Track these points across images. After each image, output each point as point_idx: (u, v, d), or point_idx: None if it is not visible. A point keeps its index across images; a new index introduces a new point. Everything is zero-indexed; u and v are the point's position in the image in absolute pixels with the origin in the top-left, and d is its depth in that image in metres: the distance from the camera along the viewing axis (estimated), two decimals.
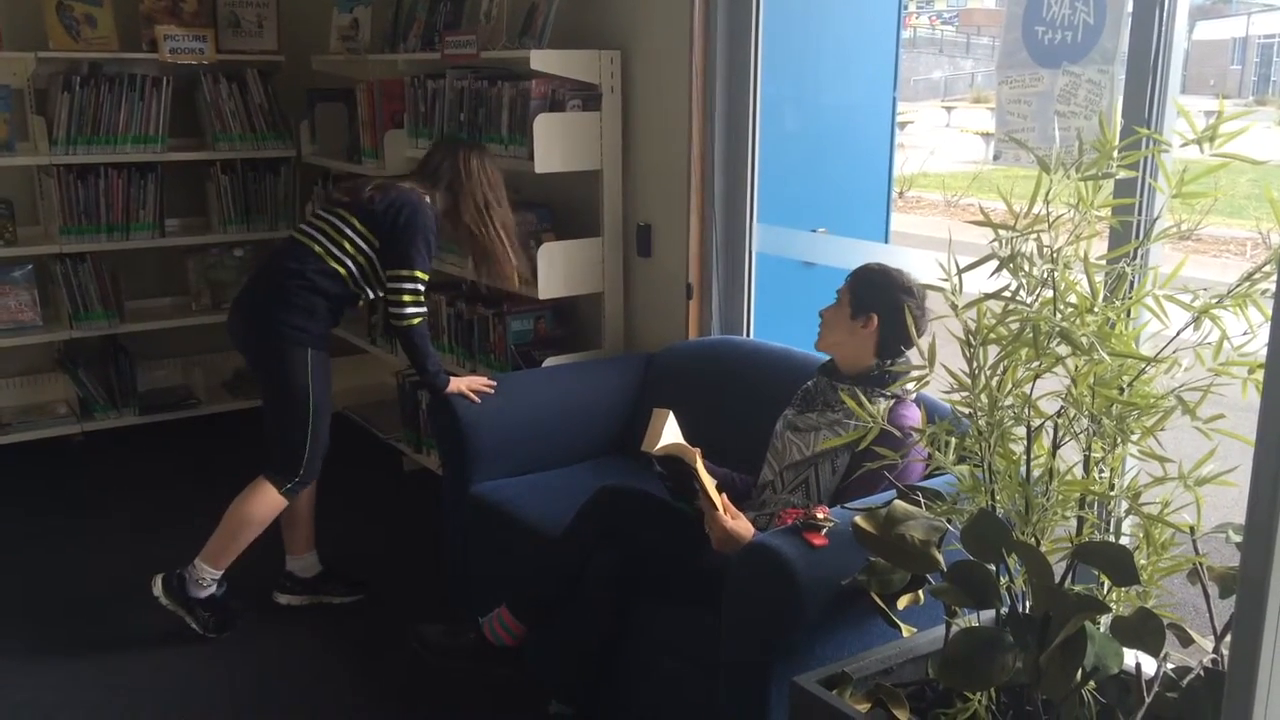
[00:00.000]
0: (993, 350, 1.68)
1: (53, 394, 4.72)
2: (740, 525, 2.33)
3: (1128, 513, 1.74)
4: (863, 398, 1.88)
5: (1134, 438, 1.65)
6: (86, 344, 4.60)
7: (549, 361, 3.51)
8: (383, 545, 3.80)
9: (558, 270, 3.48)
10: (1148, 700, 1.61)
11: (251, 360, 3.16)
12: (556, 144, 3.38)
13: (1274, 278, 1.58)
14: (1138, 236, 2.15)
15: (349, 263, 3.05)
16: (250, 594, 3.33)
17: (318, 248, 3.04)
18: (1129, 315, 1.70)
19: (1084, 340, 1.58)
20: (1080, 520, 1.71)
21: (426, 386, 3.23)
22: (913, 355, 2.44)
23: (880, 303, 2.48)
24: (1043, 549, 1.64)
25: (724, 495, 2.39)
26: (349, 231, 3.05)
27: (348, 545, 3.77)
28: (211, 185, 4.77)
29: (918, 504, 1.81)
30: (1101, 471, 1.70)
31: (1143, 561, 1.67)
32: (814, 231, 3.52)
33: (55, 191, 4.35)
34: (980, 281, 1.70)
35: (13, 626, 3.22)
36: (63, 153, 4.31)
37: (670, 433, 2.38)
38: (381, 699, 2.88)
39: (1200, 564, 1.67)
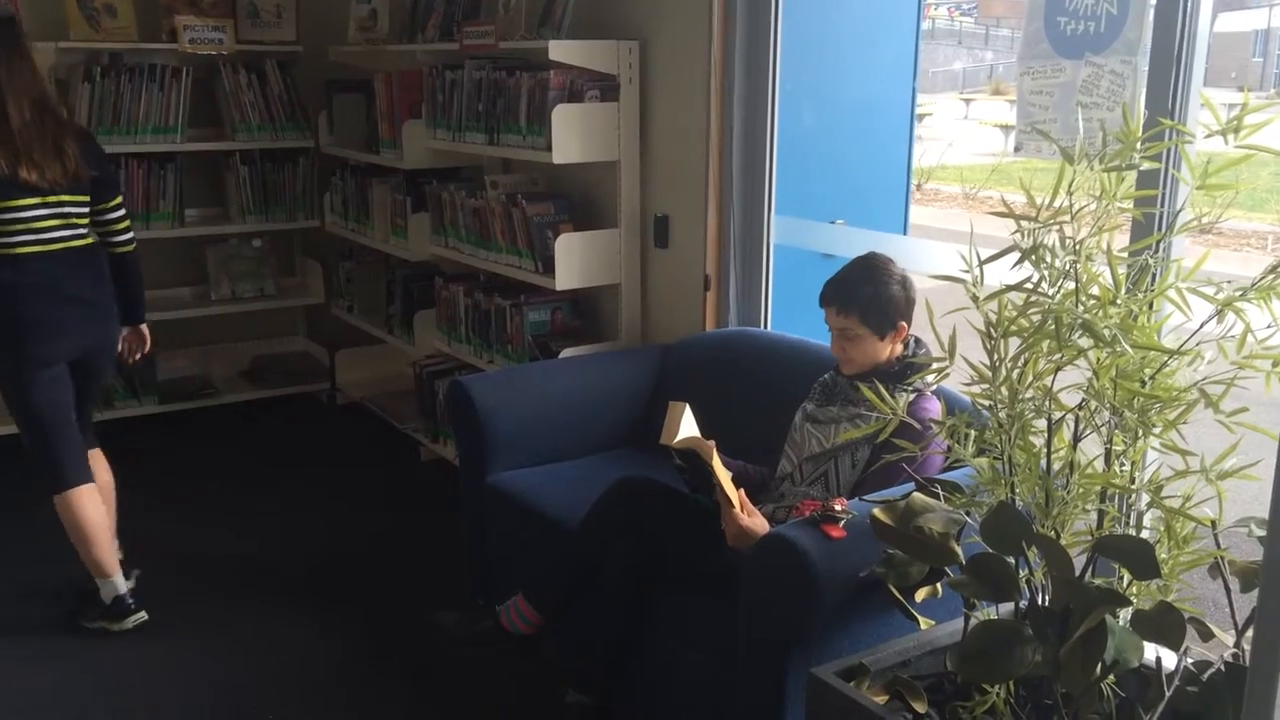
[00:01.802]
0: (1014, 342, 1.67)
1: None
2: (755, 522, 2.33)
3: (1149, 506, 1.73)
4: (883, 391, 1.87)
5: (1156, 431, 1.64)
6: None
7: (566, 352, 3.52)
8: (400, 534, 3.81)
9: (575, 261, 3.49)
10: (1168, 694, 1.61)
11: (103, 354, 3.15)
12: (574, 135, 3.38)
13: None
14: (1160, 229, 2.14)
15: (89, 225, 3.10)
16: (254, 585, 3.35)
17: (95, 240, 3.09)
18: (1151, 308, 1.69)
19: (1106, 332, 1.58)
20: (1101, 513, 1.71)
21: (139, 317, 3.27)
22: (933, 347, 2.44)
23: (898, 309, 2.48)
24: (1063, 542, 1.64)
25: (741, 490, 2.39)
26: (80, 208, 3.02)
27: (365, 534, 3.79)
28: (230, 175, 4.79)
29: (937, 496, 1.81)
30: (1123, 465, 1.70)
31: (1164, 555, 1.66)
32: (833, 223, 3.51)
33: None
34: (1001, 273, 1.69)
35: (24, 616, 3.25)
36: None
37: (687, 426, 2.37)
38: (398, 687, 2.89)
39: (1222, 558, 1.67)
